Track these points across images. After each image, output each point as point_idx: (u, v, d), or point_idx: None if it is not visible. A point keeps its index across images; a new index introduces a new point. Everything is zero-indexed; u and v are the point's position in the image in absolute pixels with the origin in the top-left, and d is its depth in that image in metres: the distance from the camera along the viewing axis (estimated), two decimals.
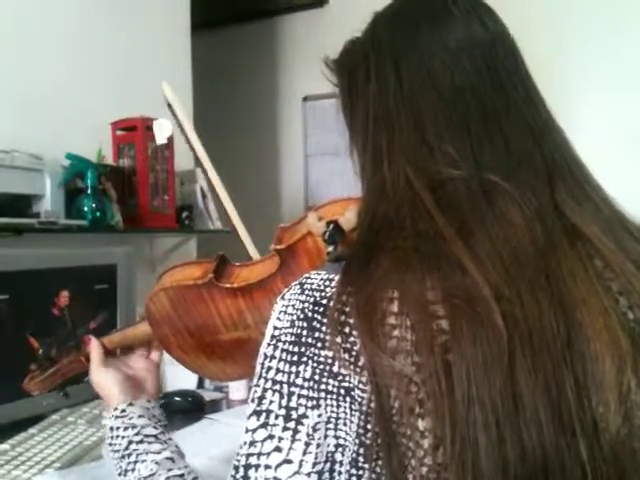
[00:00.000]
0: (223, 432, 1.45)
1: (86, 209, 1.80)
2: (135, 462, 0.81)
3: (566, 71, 2.55)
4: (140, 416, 0.87)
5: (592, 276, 0.59)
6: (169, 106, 1.06)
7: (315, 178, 3.34)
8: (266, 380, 0.60)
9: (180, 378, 1.68)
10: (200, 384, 1.83)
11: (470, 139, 0.63)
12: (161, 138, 1.99)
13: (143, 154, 2.02)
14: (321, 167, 3.31)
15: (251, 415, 0.61)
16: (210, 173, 1.06)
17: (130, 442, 0.83)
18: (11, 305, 1.50)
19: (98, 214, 1.82)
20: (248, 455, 0.60)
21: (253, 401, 0.61)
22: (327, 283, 0.61)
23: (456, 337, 0.54)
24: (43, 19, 1.97)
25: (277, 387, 0.59)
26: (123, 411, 0.87)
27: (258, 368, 0.62)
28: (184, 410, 1.56)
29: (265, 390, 0.60)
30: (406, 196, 0.62)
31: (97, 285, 1.74)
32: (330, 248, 0.72)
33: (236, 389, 1.76)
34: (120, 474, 0.82)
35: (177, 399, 1.59)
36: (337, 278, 0.60)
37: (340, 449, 0.57)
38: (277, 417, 0.59)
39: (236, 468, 0.60)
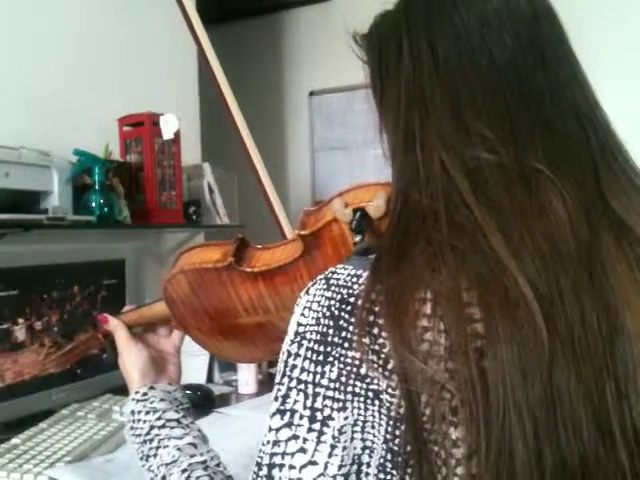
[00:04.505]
0: (232, 426, 1.46)
1: (94, 205, 1.80)
2: (157, 447, 0.80)
3: None
4: (161, 400, 0.86)
5: (637, 275, 0.55)
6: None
7: (322, 173, 3.34)
8: (290, 379, 0.58)
9: (189, 372, 1.68)
10: (209, 378, 1.84)
11: (510, 121, 0.58)
12: (168, 133, 1.99)
13: (150, 149, 2.02)
14: (328, 162, 3.30)
15: (275, 414, 0.58)
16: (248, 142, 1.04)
17: (152, 427, 0.82)
18: (20, 301, 1.50)
19: (106, 210, 1.82)
20: (272, 454, 0.57)
21: (277, 399, 0.58)
22: (355, 279, 0.58)
23: (492, 340, 0.51)
24: (50, 17, 1.97)
25: (302, 387, 0.57)
26: (144, 394, 0.86)
27: (281, 365, 0.59)
28: (193, 404, 1.55)
29: (289, 389, 0.58)
30: (441, 183, 0.58)
31: (105, 280, 1.75)
32: (357, 238, 0.69)
33: (245, 383, 1.77)
34: (142, 458, 0.81)
35: (186, 393, 1.59)
36: (365, 274, 0.57)
37: (367, 451, 0.55)
38: (302, 417, 0.57)
39: (259, 465, 0.58)
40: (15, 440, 1.33)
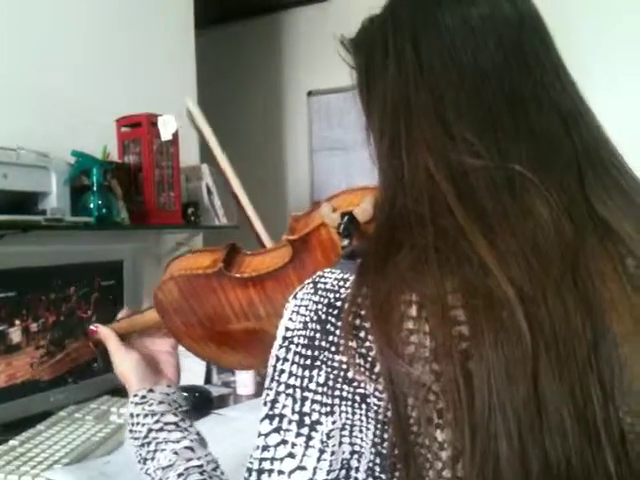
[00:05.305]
0: (230, 427, 1.46)
1: (92, 206, 1.80)
2: (155, 451, 0.80)
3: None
4: (160, 402, 0.85)
5: (622, 276, 0.55)
6: (192, 120, 1.04)
7: (320, 173, 3.34)
8: (279, 383, 0.58)
9: (187, 374, 1.68)
10: (207, 380, 1.84)
11: (494, 126, 0.59)
12: (166, 134, 1.99)
13: (148, 151, 2.01)
14: (326, 162, 3.30)
15: (264, 419, 0.58)
16: (227, 172, 1.04)
17: (150, 430, 0.82)
18: (18, 302, 1.50)
19: (104, 211, 1.82)
20: (261, 460, 0.57)
21: (266, 404, 0.58)
22: (342, 283, 0.58)
23: (477, 342, 0.52)
24: (49, 19, 1.97)
25: (290, 391, 0.57)
26: (143, 397, 0.86)
27: (270, 370, 0.59)
28: (191, 406, 1.56)
29: (278, 394, 0.58)
30: (425, 187, 0.58)
31: (104, 282, 1.74)
32: (345, 241, 0.69)
33: (243, 384, 1.77)
34: (140, 462, 0.81)
35: (184, 394, 1.59)
36: (352, 278, 0.57)
37: (356, 455, 0.55)
38: (290, 422, 0.56)
39: (249, 471, 0.58)
40: (13, 442, 1.33)
